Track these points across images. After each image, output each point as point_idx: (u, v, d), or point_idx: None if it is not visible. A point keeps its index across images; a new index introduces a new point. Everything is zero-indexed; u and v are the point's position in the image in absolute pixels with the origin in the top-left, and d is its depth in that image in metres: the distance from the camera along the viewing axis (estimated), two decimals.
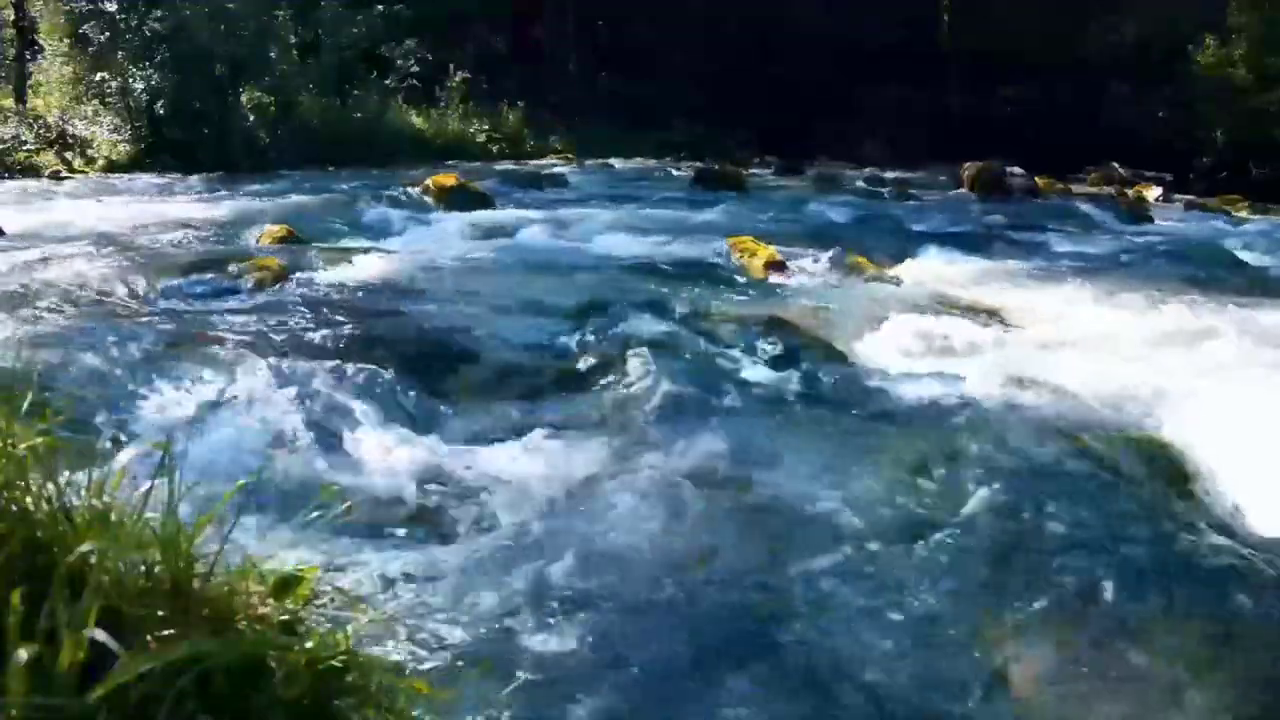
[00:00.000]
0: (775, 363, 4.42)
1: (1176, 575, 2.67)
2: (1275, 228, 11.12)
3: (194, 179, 12.38)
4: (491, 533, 2.80)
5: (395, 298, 5.54)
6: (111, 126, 14.72)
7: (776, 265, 6.68)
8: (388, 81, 19.03)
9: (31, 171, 13.03)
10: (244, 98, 15.39)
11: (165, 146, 14.33)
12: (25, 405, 1.14)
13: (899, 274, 6.90)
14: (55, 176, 12.91)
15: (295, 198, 10.48)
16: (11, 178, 12.47)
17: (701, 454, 3.39)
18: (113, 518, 1.04)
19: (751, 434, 3.60)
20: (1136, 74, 19.59)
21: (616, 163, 17.36)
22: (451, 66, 19.74)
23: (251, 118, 15.44)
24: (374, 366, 4.00)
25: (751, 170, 15.84)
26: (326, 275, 6.00)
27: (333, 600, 1.13)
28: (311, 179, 12.89)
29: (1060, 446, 3.42)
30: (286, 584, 1.10)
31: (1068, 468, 3.28)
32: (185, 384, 3.71)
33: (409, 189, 10.72)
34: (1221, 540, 2.92)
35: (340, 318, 4.82)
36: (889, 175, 16.04)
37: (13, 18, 17.34)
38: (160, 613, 0.96)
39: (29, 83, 17.09)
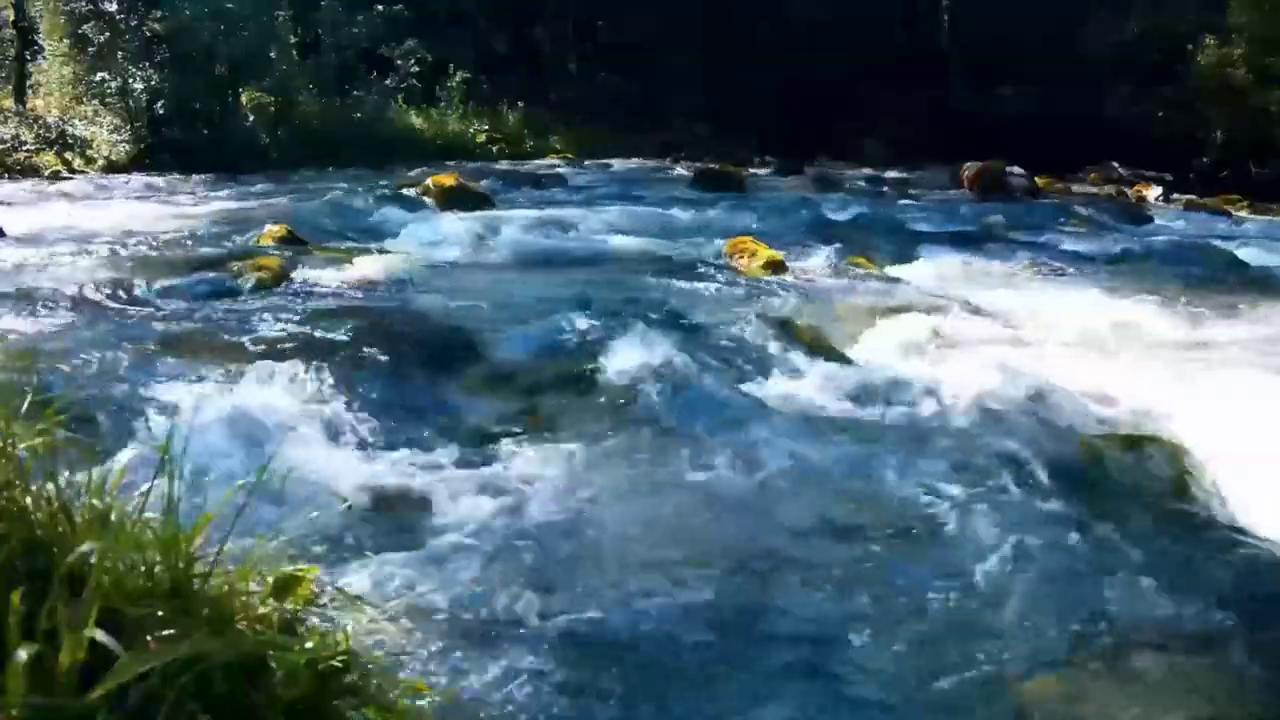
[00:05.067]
0: (775, 363, 4.41)
1: (1176, 575, 2.67)
2: (1275, 228, 11.12)
3: (194, 179, 12.38)
4: (492, 532, 2.80)
5: (395, 298, 5.54)
6: (111, 127, 14.71)
7: (776, 265, 6.68)
8: (388, 81, 19.03)
9: (31, 171, 13.03)
10: (244, 98, 15.40)
11: (165, 146, 14.33)
12: (25, 405, 1.14)
13: (899, 274, 6.90)
14: (55, 177, 12.91)
15: (295, 198, 10.48)
16: (11, 178, 12.46)
17: (701, 454, 3.39)
18: (113, 518, 1.04)
19: (750, 433, 3.60)
20: (1136, 74, 19.57)
21: (616, 163, 17.34)
22: (451, 66, 19.74)
23: (251, 118, 15.44)
24: (374, 366, 4.00)
25: (751, 170, 15.82)
26: (326, 275, 6.00)
27: (333, 600, 1.13)
28: (311, 179, 12.90)
29: (1060, 446, 3.42)
30: (286, 584, 1.10)
31: (1067, 467, 3.28)
32: (185, 384, 3.71)
33: (409, 189, 10.72)
34: (1222, 540, 2.92)
35: (340, 318, 4.82)
36: (889, 175, 16.03)
37: (13, 18, 17.32)
38: (160, 613, 0.96)
39: (29, 83, 17.08)
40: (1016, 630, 2.39)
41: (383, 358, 4.13)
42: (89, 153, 14.25)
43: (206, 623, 0.99)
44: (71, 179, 12.86)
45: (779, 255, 6.87)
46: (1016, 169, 14.31)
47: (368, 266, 6.36)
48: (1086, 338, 4.99)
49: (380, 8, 19.33)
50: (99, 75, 14.95)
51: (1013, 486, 3.14)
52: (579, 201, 10.96)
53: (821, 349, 4.61)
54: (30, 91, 16.96)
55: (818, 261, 7.00)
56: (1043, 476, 3.21)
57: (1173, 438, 3.52)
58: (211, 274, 5.81)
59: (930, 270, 7.11)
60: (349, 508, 2.85)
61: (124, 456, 2.75)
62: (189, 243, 7.31)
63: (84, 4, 14.81)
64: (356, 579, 2.37)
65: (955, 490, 3.12)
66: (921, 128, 20.44)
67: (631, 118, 21.23)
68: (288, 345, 4.23)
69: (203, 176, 12.67)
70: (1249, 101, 16.54)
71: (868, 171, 16.40)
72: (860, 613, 2.47)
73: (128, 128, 14.63)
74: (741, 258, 6.89)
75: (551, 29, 24.49)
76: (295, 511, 2.78)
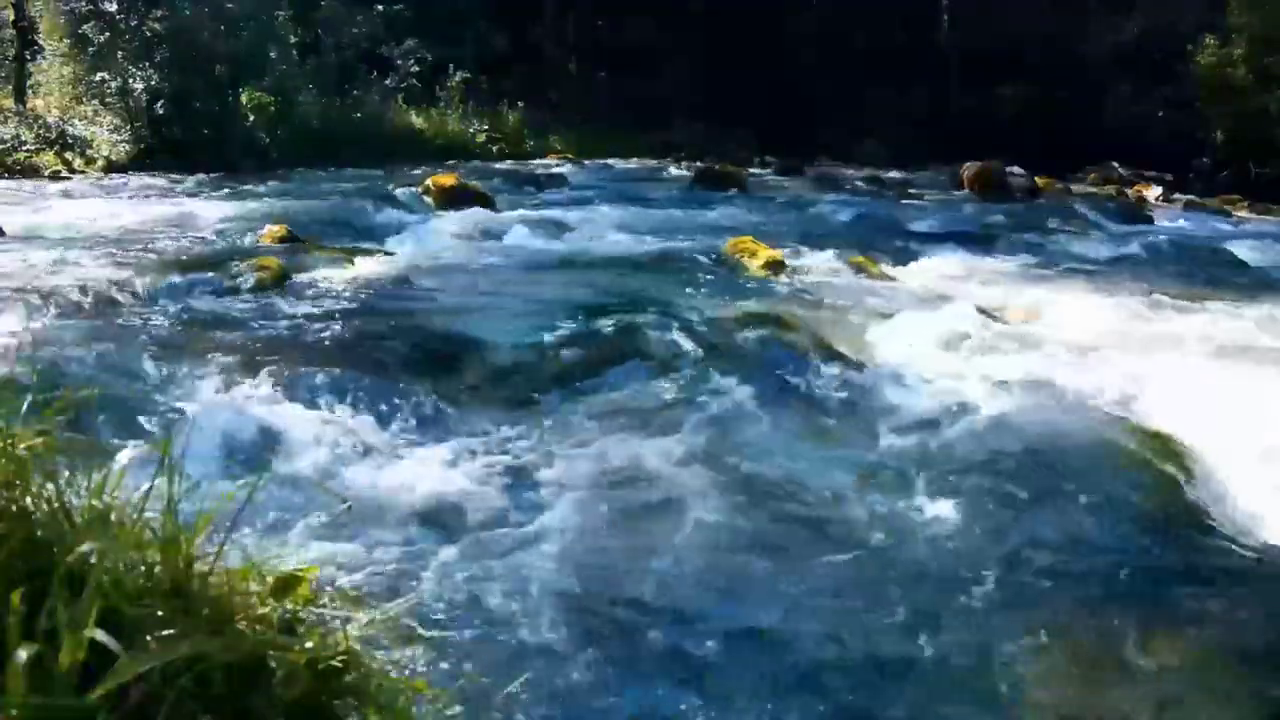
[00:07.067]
0: (775, 363, 4.41)
1: (1176, 574, 2.67)
2: (1275, 228, 11.13)
3: (194, 179, 12.37)
4: (491, 532, 2.80)
5: (395, 298, 5.54)
6: (111, 126, 14.69)
7: (776, 265, 6.68)
8: (388, 81, 19.03)
9: (31, 171, 13.01)
10: (244, 98, 15.38)
11: (165, 146, 14.30)
12: (25, 405, 1.14)
13: (899, 274, 6.90)
14: (55, 176, 12.90)
15: (295, 198, 10.48)
16: (11, 178, 12.45)
17: (701, 454, 3.39)
18: (113, 518, 1.04)
19: (751, 434, 3.60)
20: (1136, 74, 19.59)
21: (616, 163, 17.34)
22: (451, 66, 19.73)
23: (251, 118, 15.43)
24: (374, 366, 4.00)
25: (751, 170, 15.81)
26: (326, 275, 6.00)
27: (333, 600, 1.13)
28: (311, 179, 12.89)
29: (1060, 446, 3.42)
30: (286, 584, 1.10)
31: (1067, 467, 3.28)
32: (185, 384, 3.71)
33: (409, 189, 10.72)
34: (1222, 539, 2.92)
35: (340, 318, 4.82)
36: (889, 175, 16.03)
37: (13, 18, 17.32)
38: (160, 613, 0.96)
39: (29, 83, 17.07)
40: (1013, 629, 2.39)
41: (382, 358, 4.13)
42: (89, 153, 14.23)
43: (206, 623, 0.99)
44: (71, 179, 12.84)
45: (779, 255, 6.87)
46: (1016, 169, 14.32)
47: (367, 266, 6.36)
48: (1086, 337, 4.98)
49: (380, 8, 19.33)
50: (99, 75, 14.92)
51: (1012, 485, 3.13)
52: (579, 201, 10.96)
53: (822, 349, 4.61)
54: (30, 91, 16.95)
55: (818, 261, 6.99)
56: (1041, 476, 3.21)
57: (1172, 436, 3.52)
58: (211, 274, 5.81)
59: (931, 270, 7.11)
60: (349, 508, 2.85)
61: (124, 456, 2.75)
62: (189, 243, 7.31)
63: (84, 4, 14.78)
64: (356, 579, 2.38)
65: (954, 489, 3.12)
66: (921, 128, 20.45)
67: (631, 118, 21.23)
68: (288, 345, 4.23)
69: (203, 176, 12.65)
70: (1249, 101, 16.53)
71: (868, 171, 16.40)
72: (857, 614, 2.46)
73: (128, 128, 14.61)
74: (742, 257, 6.88)
75: (551, 29, 24.50)
76: (295, 511, 2.79)
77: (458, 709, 1.93)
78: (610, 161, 17.44)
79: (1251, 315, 5.59)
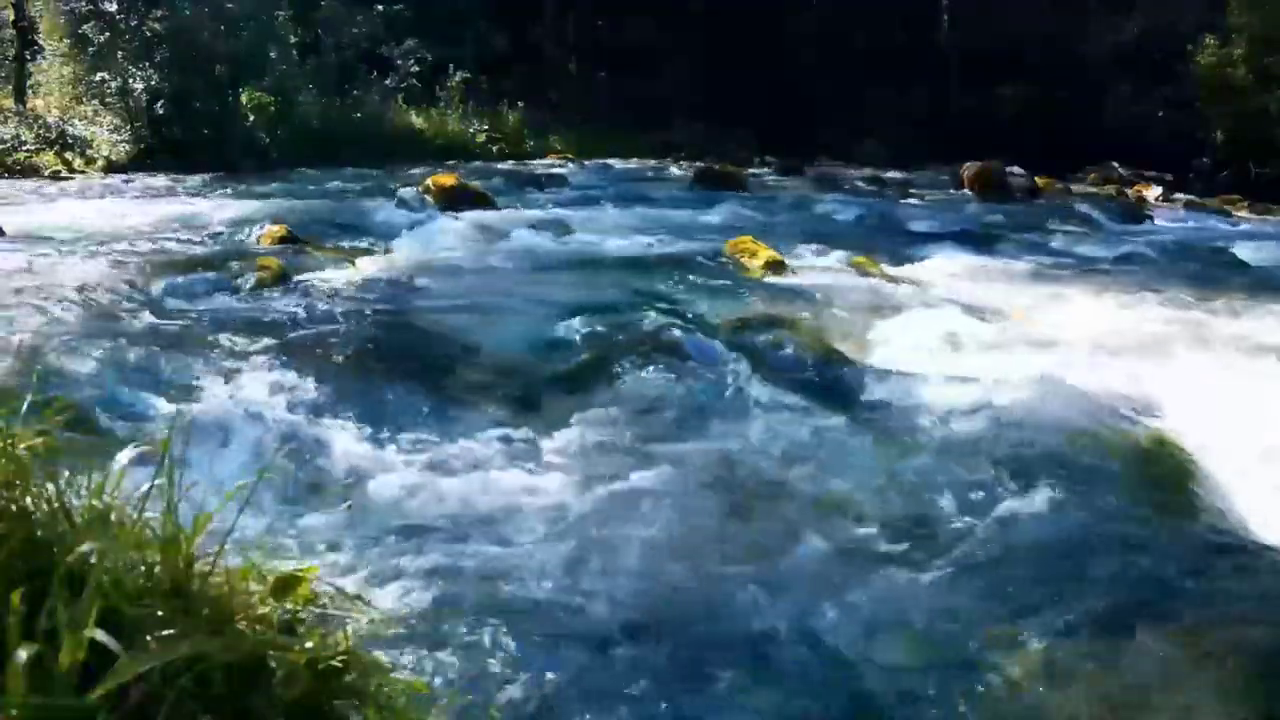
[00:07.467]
0: (775, 363, 4.41)
1: (1176, 574, 2.67)
2: (1275, 228, 11.13)
3: (194, 179, 12.37)
4: (491, 532, 2.80)
5: (395, 298, 5.54)
6: (111, 126, 14.70)
7: (776, 265, 6.68)
8: (388, 81, 19.04)
9: (31, 171, 13.01)
10: (244, 98, 15.39)
11: (165, 146, 14.30)
12: (25, 405, 1.14)
13: (899, 274, 6.90)
14: (55, 176, 12.90)
15: (295, 198, 10.48)
16: (11, 178, 12.45)
17: (702, 455, 3.39)
18: (113, 518, 1.04)
19: (751, 434, 3.60)
20: (1136, 74, 19.61)
21: (616, 163, 17.33)
22: (451, 66, 19.73)
23: (251, 118, 15.44)
24: (374, 366, 4.00)
25: (751, 170, 15.80)
26: (326, 275, 6.00)
27: (333, 600, 1.13)
28: (311, 179, 12.88)
29: (1060, 446, 3.42)
30: (286, 584, 1.10)
31: (1067, 467, 3.28)
32: (185, 384, 3.71)
33: (409, 189, 10.71)
34: (1222, 539, 2.92)
35: (340, 318, 4.82)
36: (889, 175, 16.03)
37: (13, 18, 17.32)
38: (160, 613, 0.96)
39: (29, 83, 17.08)
40: (1015, 629, 2.39)
41: (383, 358, 4.13)
42: (89, 153, 14.23)
43: (206, 623, 0.99)
44: (71, 179, 12.84)
45: (779, 255, 6.87)
46: (1016, 169, 14.32)
47: (368, 266, 6.36)
48: (1086, 337, 4.98)
49: (380, 8, 19.34)
50: (99, 75, 14.92)
51: (1012, 484, 3.13)
52: (579, 201, 10.96)
53: (822, 349, 4.61)
54: (30, 91, 16.95)
55: (818, 261, 7.00)
56: (1041, 475, 3.21)
57: (1172, 436, 3.52)
58: (211, 274, 5.81)
59: (931, 270, 7.11)
60: (349, 508, 2.85)
61: (124, 456, 2.74)
62: (189, 242, 7.30)
63: (84, 4, 14.78)
64: (356, 579, 2.37)
65: (954, 488, 3.12)
66: (921, 128, 20.46)
67: (631, 118, 21.23)
68: (287, 345, 4.22)
69: (203, 176, 12.65)
70: (1249, 101, 16.53)
71: (868, 171, 16.40)
72: (859, 616, 2.46)
73: (128, 128, 14.62)
74: (742, 257, 6.88)
75: (551, 29, 24.50)
76: (295, 511, 2.79)
77: (458, 709, 1.93)
78: (610, 161, 17.43)
79: (1251, 315, 5.59)
